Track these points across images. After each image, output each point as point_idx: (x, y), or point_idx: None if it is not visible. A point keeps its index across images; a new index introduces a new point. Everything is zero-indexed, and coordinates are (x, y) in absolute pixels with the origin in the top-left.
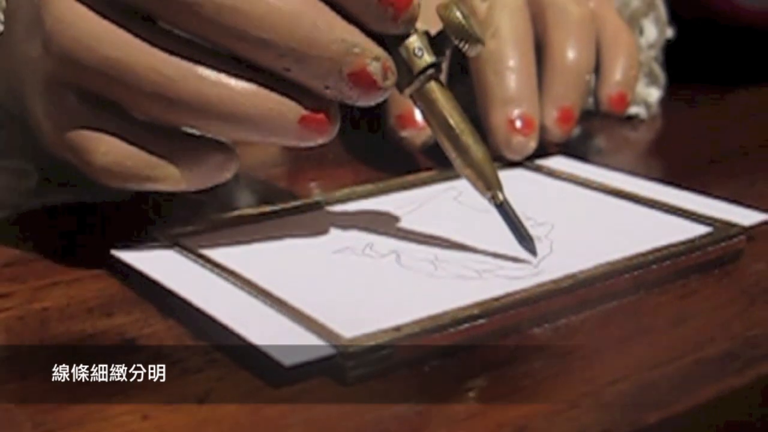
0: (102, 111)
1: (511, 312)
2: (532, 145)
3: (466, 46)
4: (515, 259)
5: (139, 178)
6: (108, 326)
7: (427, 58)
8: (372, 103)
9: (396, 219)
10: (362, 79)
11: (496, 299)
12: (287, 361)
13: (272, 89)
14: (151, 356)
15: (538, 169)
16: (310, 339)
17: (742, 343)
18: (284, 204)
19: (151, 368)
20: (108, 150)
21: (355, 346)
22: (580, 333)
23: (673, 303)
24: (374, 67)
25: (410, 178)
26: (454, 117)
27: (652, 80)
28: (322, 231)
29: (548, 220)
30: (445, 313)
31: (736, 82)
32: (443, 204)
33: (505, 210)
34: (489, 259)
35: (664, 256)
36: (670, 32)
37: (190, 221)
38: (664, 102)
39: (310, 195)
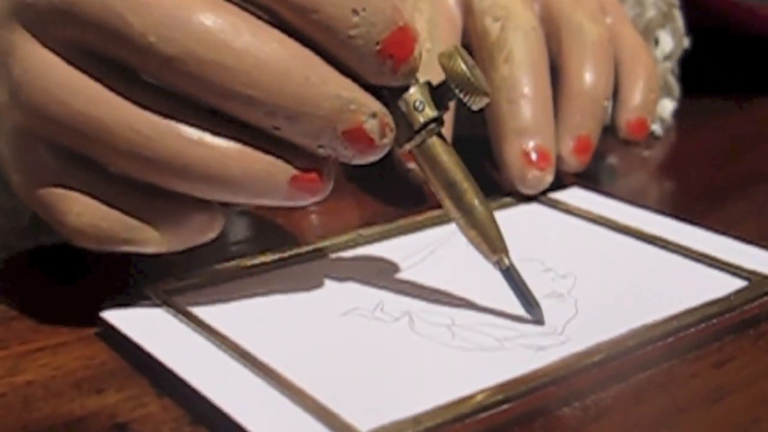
0: (75, 167)
1: (538, 393)
2: (549, 179)
3: (470, 99)
4: (536, 321)
5: (115, 241)
6: (98, 406)
7: (429, 112)
8: (368, 161)
9: (406, 271)
10: (358, 138)
11: (521, 380)
12: None
13: (260, 148)
14: None
15: (555, 205)
16: None
17: None
18: (284, 252)
19: None
20: (82, 210)
21: None
22: (611, 413)
23: (709, 373)
24: (371, 125)
25: (419, 218)
26: (457, 175)
27: (667, 92)
28: (327, 286)
29: (570, 272)
30: (466, 400)
31: (753, 90)
32: (454, 250)
33: (511, 275)
34: (509, 323)
35: (698, 320)
36: (686, 43)
37: (183, 274)
38: (679, 114)
39: (312, 236)
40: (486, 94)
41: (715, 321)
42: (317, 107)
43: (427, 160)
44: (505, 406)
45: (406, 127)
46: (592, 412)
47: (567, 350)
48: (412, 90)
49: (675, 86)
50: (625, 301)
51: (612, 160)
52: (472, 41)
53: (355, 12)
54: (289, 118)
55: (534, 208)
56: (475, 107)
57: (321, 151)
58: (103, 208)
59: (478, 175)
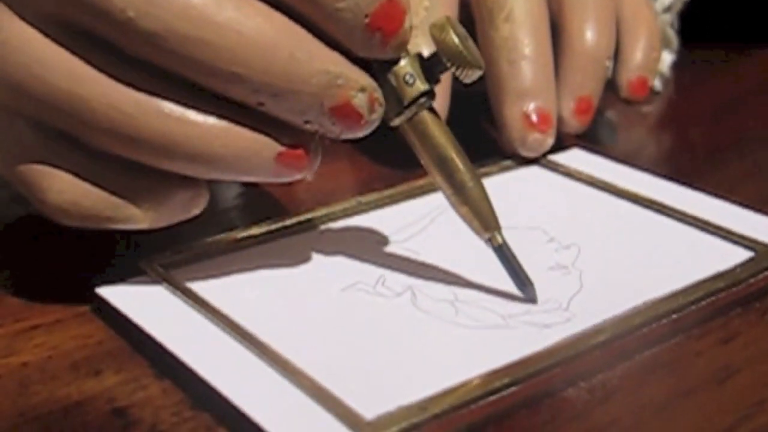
0: (56, 143)
1: (544, 376)
2: (549, 141)
3: (462, 73)
4: (529, 300)
5: (98, 218)
6: (96, 390)
7: (420, 85)
8: (357, 136)
9: (407, 241)
10: (346, 114)
11: (527, 362)
12: None
13: (245, 125)
14: None
15: (555, 168)
16: (328, 422)
17: None
18: (282, 222)
19: None
20: (63, 188)
21: None
22: (618, 394)
23: (715, 350)
24: (359, 100)
25: (419, 183)
26: (448, 150)
27: (666, 44)
28: (327, 258)
29: (574, 242)
30: (472, 384)
31: (753, 40)
32: (456, 218)
33: (503, 253)
34: (513, 300)
35: (704, 296)
36: None
37: (178, 246)
38: (678, 67)
39: (309, 202)
40: (479, 67)
41: (721, 295)
42: (304, 84)
43: (418, 135)
44: (511, 389)
45: (395, 101)
46: (598, 394)
47: (572, 329)
48: (403, 63)
49: (674, 38)
50: (629, 274)
51: (611, 116)
52: (472, 1)
53: None
54: (274, 95)
55: (535, 171)
56: (467, 80)
57: (308, 126)
58: (85, 185)
59: (477, 135)
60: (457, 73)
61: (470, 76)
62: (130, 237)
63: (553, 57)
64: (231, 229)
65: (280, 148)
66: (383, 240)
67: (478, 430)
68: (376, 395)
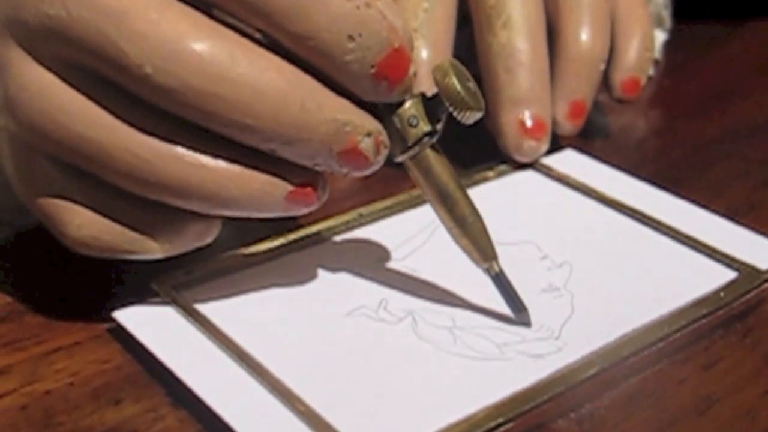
0: (75, 179)
1: (536, 411)
2: (544, 148)
3: (462, 116)
4: (523, 324)
5: (116, 251)
6: (117, 420)
7: (423, 126)
8: (363, 176)
9: (407, 259)
10: (353, 157)
11: (520, 398)
12: None
13: (257, 168)
14: None
15: (549, 173)
16: None
17: None
18: (286, 237)
19: None
20: (83, 223)
21: None
22: (605, 426)
23: (697, 377)
24: (366, 144)
25: (416, 192)
26: (449, 186)
27: (658, 23)
28: (331, 278)
29: (566, 260)
30: (469, 422)
31: (744, 15)
32: None
33: (500, 281)
34: (509, 325)
35: (689, 322)
36: None
37: (188, 266)
38: (671, 45)
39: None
40: (479, 109)
41: (704, 321)
42: (313, 132)
43: (421, 171)
44: (506, 426)
45: (400, 140)
46: (586, 426)
47: (563, 359)
48: (407, 105)
49: (667, 18)
50: (618, 297)
51: (603, 110)
52: (470, 4)
53: (351, 38)
54: (285, 143)
55: (529, 175)
56: (467, 122)
57: (317, 168)
58: (104, 220)
59: (475, 140)
60: (458, 116)
61: (470, 118)
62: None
63: (549, 60)
64: (238, 246)
65: (291, 188)
66: (384, 257)
67: None
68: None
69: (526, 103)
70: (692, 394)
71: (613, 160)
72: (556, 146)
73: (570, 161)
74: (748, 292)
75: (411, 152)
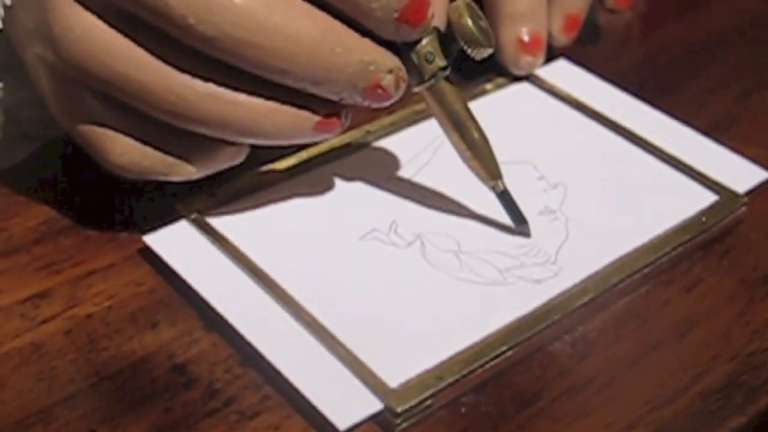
0: (116, 109)
1: (535, 337)
2: (540, 62)
3: (474, 52)
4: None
5: (154, 174)
6: (155, 344)
7: (438, 62)
8: (383, 106)
9: (416, 175)
10: (376, 92)
11: (523, 325)
12: (342, 425)
13: (287, 102)
14: (206, 393)
15: (542, 85)
16: (359, 389)
17: (742, 366)
18: (300, 156)
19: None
20: (124, 150)
21: (402, 404)
22: (596, 348)
23: (679, 299)
24: (388, 81)
25: (419, 107)
26: (461, 113)
27: None
28: (345, 198)
29: (560, 181)
30: (477, 352)
31: None
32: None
33: (504, 198)
34: (510, 249)
35: (673, 248)
36: None
37: (210, 188)
38: None
39: None
40: (490, 47)
41: (689, 244)
42: (342, 72)
43: (436, 100)
44: (508, 353)
45: (417, 74)
46: (580, 348)
47: (559, 285)
48: (424, 42)
49: None
50: (608, 221)
51: (594, 17)
52: None
53: None
54: (316, 83)
55: (525, 87)
56: (478, 58)
57: (342, 101)
58: (144, 148)
59: None
60: (470, 53)
61: (481, 54)
62: None
63: None
64: (256, 166)
65: (317, 119)
66: (393, 175)
67: (480, 389)
68: (397, 362)
69: (523, 19)
70: (674, 317)
71: (602, 68)
72: (550, 55)
73: (562, 73)
74: (727, 215)
75: (427, 84)
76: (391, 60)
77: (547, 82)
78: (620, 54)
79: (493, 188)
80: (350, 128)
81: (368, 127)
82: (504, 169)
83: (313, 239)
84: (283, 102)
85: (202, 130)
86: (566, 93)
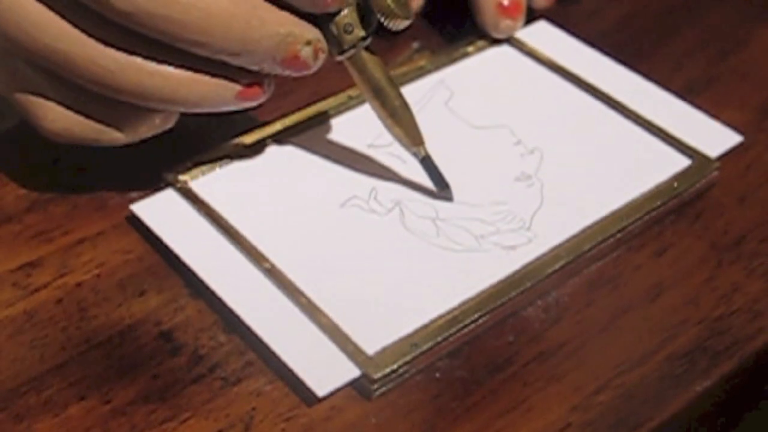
0: (48, 79)
1: (509, 303)
2: (519, 26)
3: (390, 23)
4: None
5: (85, 141)
6: (143, 312)
7: (357, 32)
8: (303, 76)
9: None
10: (294, 64)
11: (497, 291)
12: (320, 391)
13: (208, 73)
14: (191, 360)
15: (522, 47)
16: (337, 356)
17: (709, 331)
18: (283, 122)
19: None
20: (56, 118)
21: (379, 371)
22: (568, 312)
23: (650, 264)
24: (306, 52)
25: (401, 70)
26: (381, 82)
27: None
28: (326, 165)
29: (537, 146)
30: (452, 319)
31: None
32: (435, 114)
33: (426, 163)
34: (487, 216)
35: (645, 213)
36: None
37: (195, 156)
38: None
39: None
40: (406, 18)
41: (661, 208)
42: (258, 45)
43: (357, 70)
44: (482, 319)
45: (337, 45)
46: (552, 312)
47: (534, 251)
48: (344, 13)
49: None
50: (582, 186)
51: None
52: None
53: None
54: (233, 54)
55: (505, 50)
56: (394, 29)
57: (262, 71)
58: (75, 116)
59: (457, 18)
60: (386, 23)
61: (398, 25)
62: (151, 145)
63: None
64: (241, 132)
65: (239, 88)
66: (374, 143)
67: (455, 354)
68: (374, 329)
69: None
70: (645, 281)
71: (582, 29)
72: (531, 16)
73: (543, 35)
74: (699, 180)
75: (347, 54)
76: (309, 31)
77: (527, 45)
78: (600, 14)
79: (415, 154)
80: (331, 94)
81: (350, 92)
82: (482, 134)
83: (294, 206)
84: (205, 72)
85: (127, 99)
86: (546, 56)
